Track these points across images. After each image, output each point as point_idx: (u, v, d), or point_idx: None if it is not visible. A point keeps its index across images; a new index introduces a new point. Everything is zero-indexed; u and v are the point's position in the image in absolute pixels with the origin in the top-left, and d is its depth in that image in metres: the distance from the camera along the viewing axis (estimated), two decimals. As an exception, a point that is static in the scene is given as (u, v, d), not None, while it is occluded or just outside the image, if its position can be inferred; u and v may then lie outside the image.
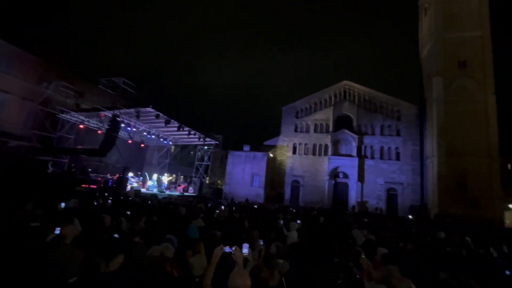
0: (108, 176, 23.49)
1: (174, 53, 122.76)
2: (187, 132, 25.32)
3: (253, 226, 7.68)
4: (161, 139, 29.54)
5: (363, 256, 4.58)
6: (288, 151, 39.05)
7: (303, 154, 38.42)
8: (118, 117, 20.78)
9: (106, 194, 15.80)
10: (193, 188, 29.95)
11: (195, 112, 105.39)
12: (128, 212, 8.71)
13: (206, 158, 31.98)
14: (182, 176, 35.01)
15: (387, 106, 36.67)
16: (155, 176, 27.45)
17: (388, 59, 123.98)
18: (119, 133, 23.01)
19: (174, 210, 10.39)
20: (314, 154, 37.98)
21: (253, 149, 38.78)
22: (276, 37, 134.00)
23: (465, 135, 29.28)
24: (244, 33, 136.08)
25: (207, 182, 34.62)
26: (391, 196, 34.33)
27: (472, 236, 10.21)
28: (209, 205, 16.05)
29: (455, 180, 28.96)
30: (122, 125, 22.79)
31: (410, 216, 27.39)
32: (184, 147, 32.40)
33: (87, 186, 19.69)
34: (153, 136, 27.97)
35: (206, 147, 31.47)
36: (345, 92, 38.71)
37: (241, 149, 39.32)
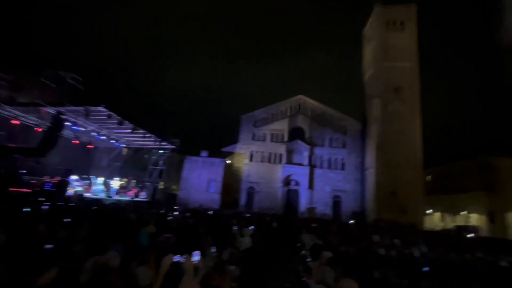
0: (46, 178, 20.81)
1: (133, 52, 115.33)
2: (142, 135, 24.06)
3: (207, 232, 7.87)
4: (112, 141, 27.42)
5: (309, 260, 5.03)
6: (245, 158, 39.84)
7: (259, 162, 39.61)
8: (63, 114, 18.80)
9: (42, 198, 14.07)
10: (146, 193, 28.36)
11: (152, 114, 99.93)
12: (68, 219, 7.97)
13: (161, 162, 30.64)
14: (134, 181, 32.82)
15: (336, 121, 40.30)
16: (100, 179, 25.27)
17: (338, 78, 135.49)
18: (63, 132, 20.73)
19: (123, 216, 9.91)
20: (269, 162, 39.46)
21: (211, 155, 38.63)
22: (239, 47, 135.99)
23: (398, 150, 33.86)
24: (208, 40, 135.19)
25: (161, 187, 33.03)
26: (336, 202, 37.45)
27: (400, 238, 11.94)
28: (162, 210, 15.52)
29: (389, 189, 33.16)
30: (67, 123, 20.62)
31: (352, 221, 30.26)
32: (137, 150, 30.47)
33: (16, 189, 17.18)
34: (103, 137, 25.79)
35: (162, 151, 30.20)
36: (299, 105, 41.40)
37: (198, 154, 38.80)
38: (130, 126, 22.12)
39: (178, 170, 38.93)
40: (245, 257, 5.65)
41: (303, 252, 7.32)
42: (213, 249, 5.29)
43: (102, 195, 23.07)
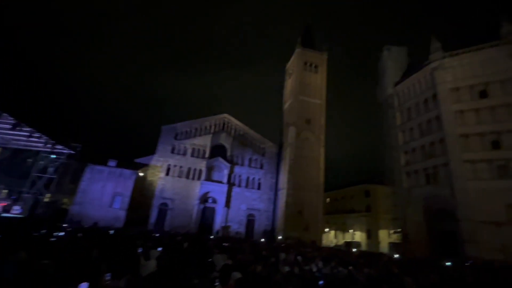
0: None
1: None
2: (27, 133, 19.33)
3: (103, 256, 6.76)
4: (-23, 137, 20.99)
5: (217, 283, 4.93)
6: (161, 172, 37.03)
7: (177, 177, 37.49)
8: None
9: None
10: (21, 208, 22.31)
11: (47, 111, 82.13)
12: None
13: (51, 169, 25.13)
14: (5, 191, 25.40)
15: (256, 143, 42.70)
16: None
17: (262, 103, 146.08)
18: None
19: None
20: (187, 177, 37.84)
21: (120, 165, 34.09)
22: (169, 55, 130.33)
23: (305, 174, 38.32)
24: (131, 38, 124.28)
25: (46, 200, 26.66)
26: (250, 221, 38.63)
27: (302, 255, 13.12)
28: (43, 230, 12.49)
29: (296, 209, 36.69)
30: None
31: (262, 240, 31.64)
32: (18, 152, 23.91)
33: None
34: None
35: (54, 156, 24.89)
36: (224, 123, 42.19)
37: (105, 163, 33.66)
38: (11, 121, 17.57)
39: (74, 181, 32.57)
40: (147, 284, 5.09)
41: (213, 274, 7.13)
42: (108, 276, 4.57)
43: None
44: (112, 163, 34.00)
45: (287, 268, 8.99)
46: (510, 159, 25.36)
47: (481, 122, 27.76)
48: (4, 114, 16.79)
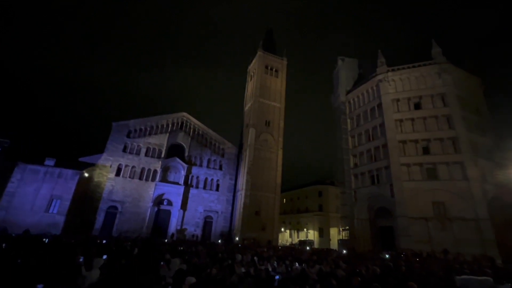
0: None
1: None
2: None
3: (35, 268, 5.97)
4: None
5: None
6: (111, 172, 34.06)
7: (128, 177, 34.90)
8: None
9: None
10: None
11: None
12: None
13: (-33, 169, 21.18)
14: None
15: (216, 143, 42.12)
16: None
17: (223, 103, 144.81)
18: None
19: None
20: (141, 178, 35.51)
21: (60, 164, 30.37)
22: (120, 49, 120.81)
23: (264, 175, 39.12)
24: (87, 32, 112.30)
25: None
26: (207, 223, 37.85)
27: (258, 255, 13.32)
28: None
29: (254, 210, 37.18)
30: None
31: (220, 241, 31.28)
32: None
33: None
34: None
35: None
36: (182, 122, 40.72)
37: (41, 162, 29.66)
38: None
39: (1, 182, 28.00)
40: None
41: (166, 280, 6.82)
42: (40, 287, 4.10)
43: None
44: (49, 162, 30.14)
45: (243, 269, 9.04)
46: (437, 163, 29.43)
47: (416, 130, 31.69)
48: None
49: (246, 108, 46.32)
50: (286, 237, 59.12)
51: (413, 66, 34.20)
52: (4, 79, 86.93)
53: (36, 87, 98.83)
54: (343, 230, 39.34)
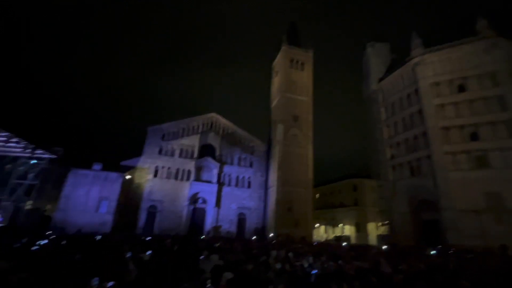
0: None
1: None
2: (4, 138, 18.42)
3: (90, 263, 6.58)
4: None
5: (209, 285, 4.90)
6: (149, 174, 36.32)
7: (165, 178, 36.90)
8: None
9: None
10: (2, 216, 21.26)
11: (27, 115, 78.72)
12: None
13: (31, 175, 24.11)
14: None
15: (245, 141, 42.61)
16: None
17: (250, 101, 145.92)
18: None
19: None
20: (176, 178, 37.32)
21: (106, 168, 33.14)
22: (152, 55, 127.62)
23: (294, 171, 38.65)
24: (119, 45, 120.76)
25: (28, 207, 25.60)
26: (241, 220, 38.60)
27: (293, 252, 13.24)
28: (24, 240, 11.99)
29: (286, 206, 36.98)
30: None
31: (254, 237, 31.71)
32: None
33: None
34: None
35: (34, 161, 23.87)
36: (212, 123, 41.85)
37: (89, 167, 32.63)
38: (-14, 126, 16.73)
39: (57, 186, 31.41)
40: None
41: (204, 275, 7.07)
42: (95, 281, 4.48)
43: None
44: (97, 166, 33.03)
45: (278, 265, 9.04)
46: (487, 150, 26.54)
47: (460, 115, 28.87)
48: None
49: (273, 104, 46.09)
50: (320, 233, 57.98)
51: (455, 45, 31.05)
52: (54, 94, 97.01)
53: (80, 99, 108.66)
54: (382, 224, 37.47)
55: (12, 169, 24.08)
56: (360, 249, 20.21)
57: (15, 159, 23.79)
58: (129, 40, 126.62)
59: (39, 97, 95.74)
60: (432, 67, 31.90)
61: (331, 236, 52.74)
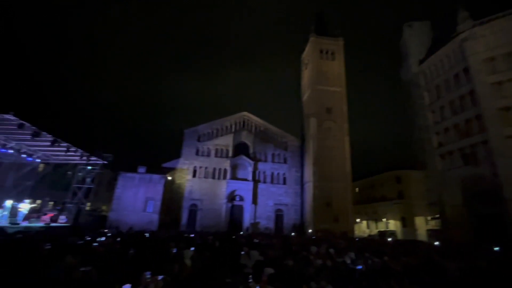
0: None
1: (59, 57, 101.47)
2: (65, 149, 20.81)
3: (140, 258, 7.13)
4: (23, 155, 22.97)
5: (251, 280, 5.00)
6: (188, 174, 38.21)
7: (203, 178, 38.48)
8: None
9: None
10: (66, 217, 24.17)
11: (80, 126, 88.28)
12: None
13: (88, 180, 26.97)
14: (51, 203, 27.76)
15: (277, 138, 42.45)
16: (8, 202, 20.50)
17: (280, 97, 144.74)
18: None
19: (31, 248, 8.22)
20: (213, 177, 38.68)
21: (149, 171, 35.71)
22: (183, 60, 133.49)
23: (331, 165, 37.40)
24: (147, 49, 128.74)
25: (87, 208, 28.72)
26: (278, 216, 38.65)
27: (334, 247, 12.87)
28: (87, 237, 13.47)
29: (324, 201, 36.02)
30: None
31: (293, 234, 31.55)
32: (58, 167, 26.11)
33: None
34: (10, 151, 21.37)
35: (90, 167, 26.66)
36: (244, 122, 42.43)
37: (135, 170, 35.44)
38: (50, 138, 19.02)
39: (110, 189, 34.74)
40: (183, 283, 5.30)
41: (245, 270, 7.23)
42: (148, 275, 4.85)
43: (3, 222, 18.74)
44: (141, 169, 35.68)
45: (319, 261, 8.89)
46: (561, 130, 22.81)
47: (523, 93, 25.22)
48: (43, 133, 18.24)
49: (304, 98, 45.10)
50: (362, 228, 55.45)
51: (509, 13, 27.14)
52: (98, 105, 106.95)
53: (122, 107, 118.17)
54: (432, 219, 34.54)
55: (72, 175, 27.18)
56: (408, 245, 18.89)
57: (74, 166, 26.79)
58: (159, 45, 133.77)
59: (88, 108, 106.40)
60: (483, 41, 28.26)
61: (374, 231, 50.15)
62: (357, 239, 27.16)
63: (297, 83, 50.02)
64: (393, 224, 48.35)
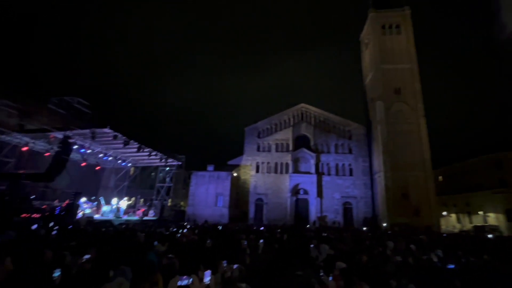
0: (56, 202, 21.06)
1: (134, 72, 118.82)
2: (147, 153, 24.32)
3: (216, 248, 7.73)
4: (119, 161, 27.82)
5: (322, 274, 4.88)
6: (252, 170, 39.69)
7: (266, 173, 39.39)
8: (70, 138, 19.20)
9: (51, 223, 14.14)
10: (154, 212, 28.34)
11: (156, 132, 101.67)
12: (73, 243, 7.81)
13: (168, 179, 30.88)
14: (141, 200, 33.01)
15: (339, 127, 40.11)
16: (114, 200, 25.33)
17: (337, 84, 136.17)
18: (71, 155, 21.09)
19: (131, 237, 9.86)
20: (276, 172, 39.20)
21: (216, 168, 38.64)
22: (241, 61, 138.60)
23: (404, 152, 33.39)
24: (208, 55, 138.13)
25: (169, 204, 33.11)
26: (347, 209, 36.68)
27: (415, 243, 11.55)
28: (171, 228, 15.43)
29: (399, 192, 32.44)
30: (75, 146, 21.01)
31: (364, 228, 29.48)
32: (144, 169, 30.96)
33: (27, 215, 17.34)
34: (110, 158, 26.19)
35: (168, 168, 30.49)
36: (302, 114, 41.51)
37: (204, 169, 38.85)
38: (135, 145, 22.43)
39: (185, 186, 39.07)
40: (256, 273, 5.52)
41: (316, 263, 7.12)
42: (224, 263, 5.24)
43: (110, 216, 23.09)
44: (210, 167, 38.87)
45: (398, 258, 8.16)
46: None
47: None
48: (131, 141, 21.63)
49: (367, 80, 41.30)
50: (452, 222, 47.83)
51: None
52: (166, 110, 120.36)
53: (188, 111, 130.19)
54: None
55: (155, 175, 31.57)
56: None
57: (156, 168, 31.05)
58: (214, 46, 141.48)
59: (159, 114, 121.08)
60: None
61: (468, 226, 42.74)
62: (444, 234, 23.62)
63: (356, 68, 46.25)
64: (494, 218, 40.19)
